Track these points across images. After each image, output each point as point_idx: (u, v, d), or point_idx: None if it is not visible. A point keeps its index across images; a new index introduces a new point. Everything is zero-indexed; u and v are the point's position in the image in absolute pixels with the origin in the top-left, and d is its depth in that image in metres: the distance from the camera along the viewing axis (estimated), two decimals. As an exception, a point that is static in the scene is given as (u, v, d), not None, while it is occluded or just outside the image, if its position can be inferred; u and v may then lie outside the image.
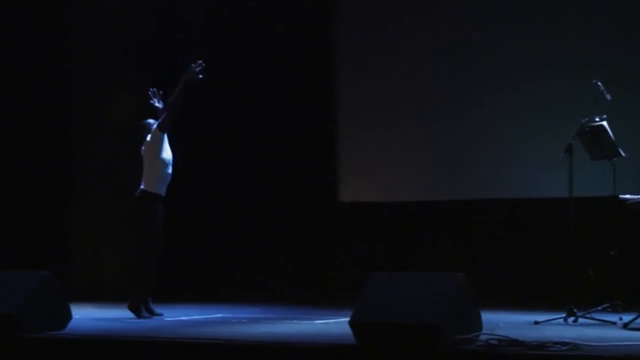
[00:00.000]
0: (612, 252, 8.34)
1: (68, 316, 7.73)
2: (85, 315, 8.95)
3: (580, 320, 7.97)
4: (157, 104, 9.37)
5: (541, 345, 6.02)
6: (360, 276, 7.05)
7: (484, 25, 11.53)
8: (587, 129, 8.30)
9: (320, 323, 8.40)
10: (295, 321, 8.61)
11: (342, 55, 12.35)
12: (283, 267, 12.34)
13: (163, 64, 12.17)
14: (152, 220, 9.02)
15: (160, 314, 9.09)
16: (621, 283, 8.43)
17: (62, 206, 12.78)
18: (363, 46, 12.20)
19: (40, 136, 12.60)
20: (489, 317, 6.99)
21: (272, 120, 12.53)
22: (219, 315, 9.39)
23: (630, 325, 7.48)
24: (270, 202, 12.47)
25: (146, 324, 8.38)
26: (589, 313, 8.02)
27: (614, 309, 8.13)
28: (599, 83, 8.44)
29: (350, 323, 6.41)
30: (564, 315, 8.03)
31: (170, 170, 9.14)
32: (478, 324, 6.49)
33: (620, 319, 7.80)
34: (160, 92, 9.38)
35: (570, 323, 7.95)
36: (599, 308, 8.14)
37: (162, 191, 9.11)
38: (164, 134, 9.08)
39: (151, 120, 9.22)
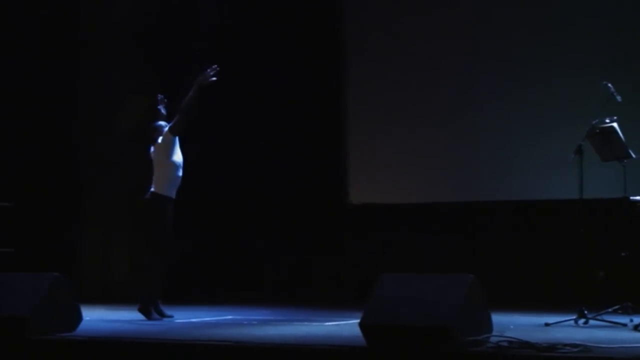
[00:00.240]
0: (622, 254, 8.33)
1: (78, 318, 7.73)
2: (96, 317, 8.96)
3: (591, 322, 7.96)
4: (162, 111, 9.39)
5: (551, 347, 6.01)
6: (370, 278, 7.04)
7: (495, 27, 11.52)
8: (598, 131, 8.29)
9: (330, 325, 8.40)
10: (305, 323, 8.61)
11: (351, 57, 12.35)
12: (293, 268, 12.34)
13: (172, 65, 12.22)
14: (163, 223, 9.04)
15: (171, 316, 9.11)
16: (632, 285, 8.43)
17: (72, 208, 12.80)
18: (372, 48, 12.20)
19: (49, 137, 12.62)
20: (499, 319, 6.98)
21: (281, 122, 12.53)
22: (230, 317, 9.39)
23: (641, 327, 7.48)
24: (280, 204, 12.48)
25: (157, 326, 8.39)
26: (600, 315, 8.00)
27: (625, 311, 8.11)
28: (609, 84, 8.43)
29: (361, 325, 6.42)
30: (574, 317, 8.02)
31: (180, 173, 9.15)
32: (488, 326, 6.49)
33: (631, 320, 7.78)
34: (166, 100, 9.40)
35: (581, 325, 7.94)
36: (610, 310, 8.12)
37: (172, 193, 9.12)
38: (175, 136, 9.09)
39: (162, 123, 9.23)
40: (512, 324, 7.76)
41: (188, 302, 10.80)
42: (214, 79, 9.02)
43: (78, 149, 12.86)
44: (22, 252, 11.84)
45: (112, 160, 12.70)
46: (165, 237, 9.04)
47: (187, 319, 9.01)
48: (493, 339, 6.32)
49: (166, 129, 9.10)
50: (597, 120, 8.31)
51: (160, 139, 9.12)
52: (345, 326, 8.07)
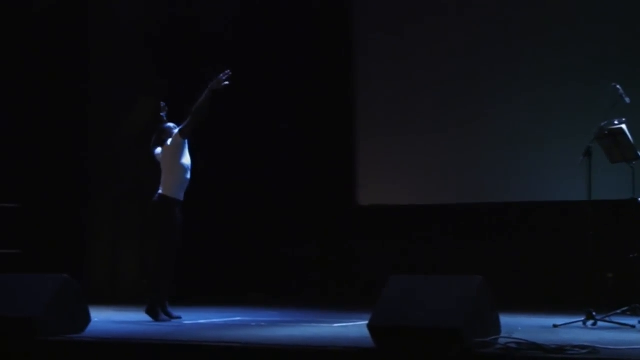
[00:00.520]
0: (631, 256, 8.31)
1: (87, 319, 7.73)
2: (105, 319, 8.97)
3: (599, 323, 7.95)
4: (164, 118, 9.37)
5: (560, 348, 6.00)
6: (379, 279, 7.04)
7: (505, 29, 11.53)
8: (606, 132, 8.28)
9: (339, 326, 8.40)
10: (314, 324, 8.61)
11: (360, 60, 12.37)
12: (301, 270, 12.35)
13: (181, 68, 12.24)
14: (171, 225, 9.04)
15: (179, 317, 9.11)
16: (640, 286, 8.41)
17: (81, 209, 12.82)
18: (381, 50, 12.22)
19: (58, 139, 12.64)
20: (507, 321, 6.98)
21: (290, 124, 12.55)
22: (238, 318, 9.39)
23: (650, 329, 7.48)
24: (289, 206, 12.49)
25: (165, 327, 8.39)
26: (608, 316, 7.99)
27: (633, 313, 8.09)
28: (618, 86, 8.41)
29: (369, 326, 6.41)
30: (583, 319, 8.01)
31: (189, 176, 9.15)
32: (497, 328, 6.48)
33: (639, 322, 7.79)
34: (167, 108, 9.38)
35: (589, 326, 7.92)
36: (618, 311, 8.11)
37: (181, 196, 9.13)
38: (184, 139, 9.09)
39: (172, 125, 9.23)
40: (521, 326, 7.76)
41: (196, 304, 10.81)
42: (227, 83, 9.02)
43: (87, 149, 12.88)
44: (30, 253, 11.87)
45: (121, 162, 12.72)
46: (173, 239, 9.05)
47: (195, 321, 9.01)
48: (501, 341, 6.32)
49: (176, 131, 9.11)
50: (605, 122, 8.30)
51: (169, 141, 9.13)
52: (353, 328, 8.07)
